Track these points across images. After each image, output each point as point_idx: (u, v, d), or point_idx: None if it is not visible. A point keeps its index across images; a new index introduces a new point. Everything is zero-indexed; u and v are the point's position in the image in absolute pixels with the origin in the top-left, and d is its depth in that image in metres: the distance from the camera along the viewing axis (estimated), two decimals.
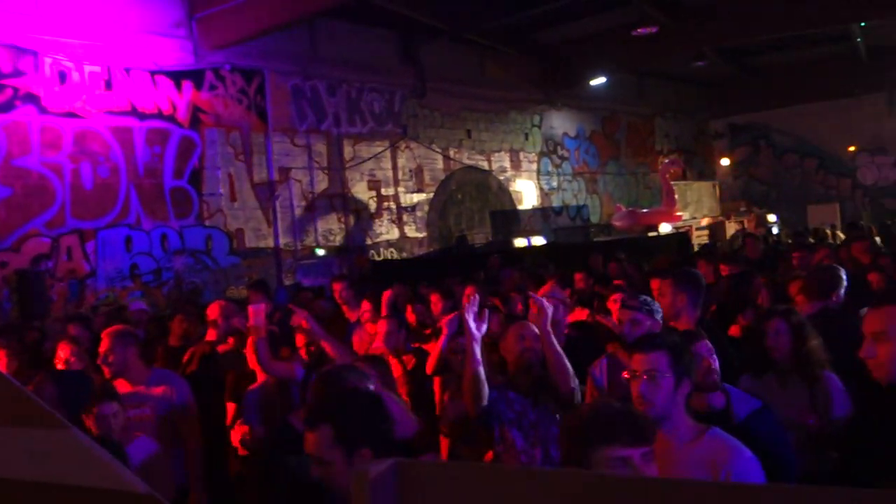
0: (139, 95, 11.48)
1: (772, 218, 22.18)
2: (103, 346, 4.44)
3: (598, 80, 19.50)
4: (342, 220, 14.51)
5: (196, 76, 12.21)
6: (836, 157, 23.98)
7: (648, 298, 4.23)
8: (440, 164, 16.69)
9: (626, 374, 2.77)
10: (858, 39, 19.04)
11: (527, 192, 18.97)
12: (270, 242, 13.27)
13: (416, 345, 5.54)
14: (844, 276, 4.49)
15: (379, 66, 15.28)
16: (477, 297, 3.66)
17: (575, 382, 3.59)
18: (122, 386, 4.37)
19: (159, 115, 11.74)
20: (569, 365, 3.59)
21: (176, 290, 11.75)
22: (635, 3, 14.56)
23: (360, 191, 14.90)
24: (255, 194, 13.07)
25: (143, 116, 11.52)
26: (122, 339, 4.49)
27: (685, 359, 2.72)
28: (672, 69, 22.16)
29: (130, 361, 4.47)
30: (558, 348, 3.63)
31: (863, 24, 17.39)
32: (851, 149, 23.52)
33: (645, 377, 2.66)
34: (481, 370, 3.57)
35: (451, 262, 13.53)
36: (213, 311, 5.80)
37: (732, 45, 19.45)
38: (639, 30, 14.96)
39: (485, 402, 3.59)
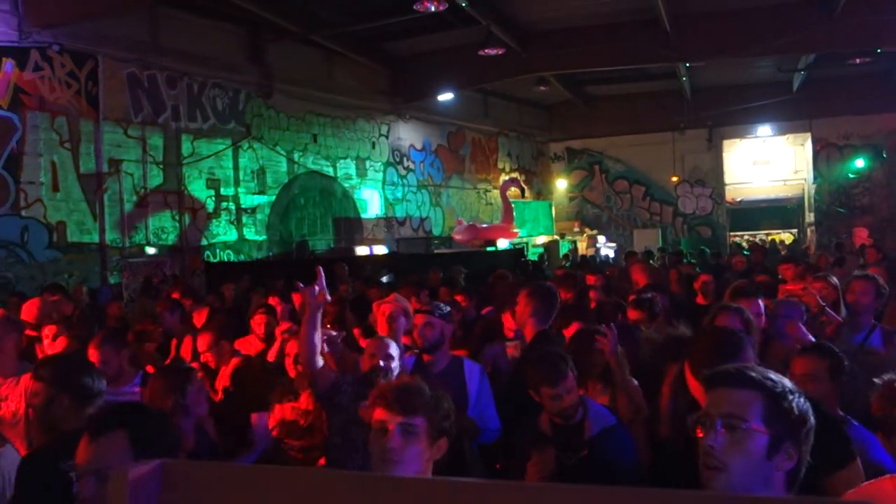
0: None
1: (602, 239, 23.59)
2: None
3: (446, 96, 19.97)
4: (177, 218, 13.92)
5: (19, 54, 11.34)
6: (660, 185, 25.81)
7: (441, 304, 4.49)
8: (284, 167, 16.40)
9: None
10: (684, 79, 20.66)
11: (371, 201, 19.02)
12: (96, 238, 12.51)
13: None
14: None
15: (224, 62, 14.81)
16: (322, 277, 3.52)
17: (314, 363, 3.54)
18: None
19: None
20: (314, 348, 3.51)
21: None
22: (483, 24, 15.01)
23: (198, 189, 14.36)
24: (80, 185, 12.29)
25: None
26: (2, 325, 4.17)
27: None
28: (516, 91, 23.06)
29: (7, 351, 4.12)
30: (310, 336, 3.51)
31: (687, 64, 18.87)
32: (674, 179, 25.41)
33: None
34: (317, 338, 3.53)
35: (292, 266, 13.33)
36: None
37: (572, 73, 20.51)
38: (486, 50, 15.39)
39: (317, 366, 3.57)
